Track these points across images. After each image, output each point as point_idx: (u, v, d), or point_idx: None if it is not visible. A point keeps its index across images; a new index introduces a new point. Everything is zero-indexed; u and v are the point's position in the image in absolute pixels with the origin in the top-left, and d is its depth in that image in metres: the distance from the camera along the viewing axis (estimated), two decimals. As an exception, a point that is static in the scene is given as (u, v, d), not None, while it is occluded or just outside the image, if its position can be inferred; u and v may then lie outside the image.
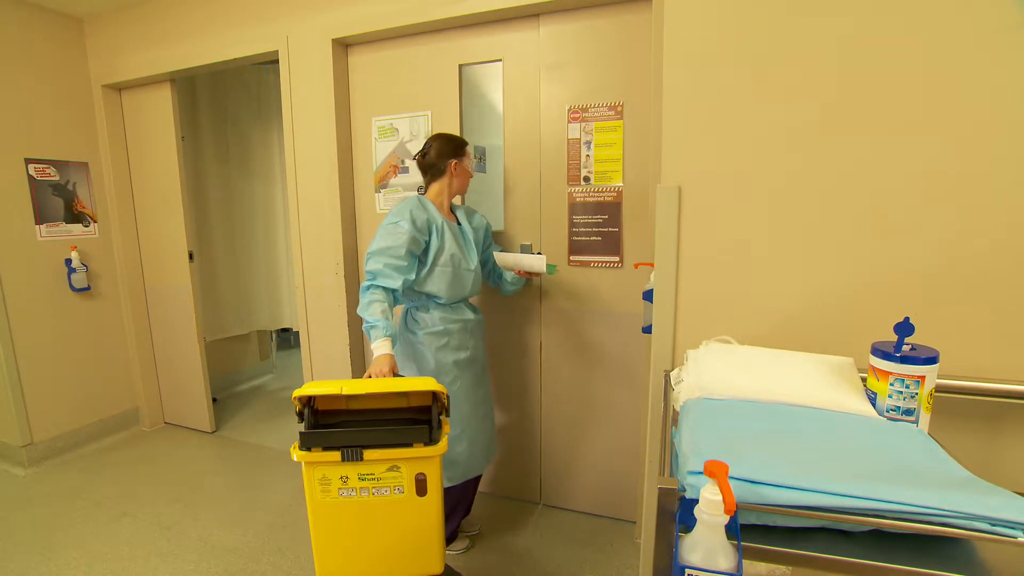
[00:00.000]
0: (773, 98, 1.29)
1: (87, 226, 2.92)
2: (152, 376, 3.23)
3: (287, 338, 4.81)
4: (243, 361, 4.01)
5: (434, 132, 2.08)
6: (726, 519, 0.62)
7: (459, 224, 1.89)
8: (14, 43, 2.58)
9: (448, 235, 1.76)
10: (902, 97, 1.19)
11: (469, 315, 1.86)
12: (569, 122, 2.02)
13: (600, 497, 2.23)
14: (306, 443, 1.29)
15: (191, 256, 2.99)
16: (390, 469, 1.33)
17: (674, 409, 1.11)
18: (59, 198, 2.79)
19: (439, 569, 1.41)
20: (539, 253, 1.91)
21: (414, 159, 1.89)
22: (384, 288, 1.61)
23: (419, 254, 1.72)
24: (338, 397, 1.40)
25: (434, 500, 1.36)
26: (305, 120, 2.38)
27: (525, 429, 2.61)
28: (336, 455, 1.29)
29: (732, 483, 0.65)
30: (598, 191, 2.01)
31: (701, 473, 0.70)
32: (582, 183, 2.03)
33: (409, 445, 1.31)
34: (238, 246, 3.64)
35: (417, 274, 1.72)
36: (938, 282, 1.20)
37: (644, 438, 1.87)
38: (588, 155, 2.01)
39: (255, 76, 3.56)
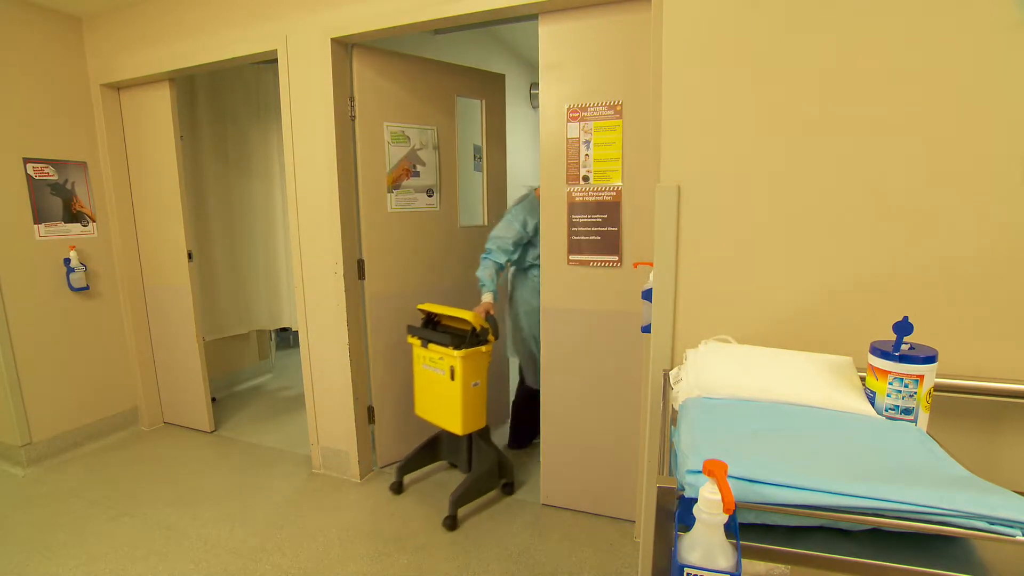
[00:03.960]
0: (772, 97, 1.29)
1: (86, 225, 2.92)
2: (151, 376, 3.23)
3: (286, 337, 4.81)
4: (242, 361, 4.01)
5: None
6: (725, 518, 0.62)
7: None
8: (13, 42, 2.58)
9: None
10: (901, 97, 1.19)
11: None
12: (568, 121, 2.02)
13: (599, 496, 2.23)
14: (409, 332, 2.37)
15: (190, 255, 2.98)
16: (441, 359, 2.22)
17: (673, 408, 1.11)
18: (58, 197, 2.79)
19: (459, 432, 2.23)
20: None
21: None
22: (494, 261, 2.39)
23: (524, 243, 2.44)
24: (446, 316, 2.32)
25: (459, 386, 2.17)
26: (304, 119, 2.38)
27: (524, 428, 2.61)
28: (419, 341, 2.32)
29: (731, 482, 0.65)
30: (597, 190, 2.01)
31: (700, 472, 0.71)
32: (581, 182, 2.03)
33: (445, 346, 2.17)
34: (237, 245, 3.64)
35: (533, 252, 2.46)
36: (937, 282, 1.20)
37: (643, 437, 1.87)
38: (587, 154, 2.01)
39: (254, 75, 3.55)
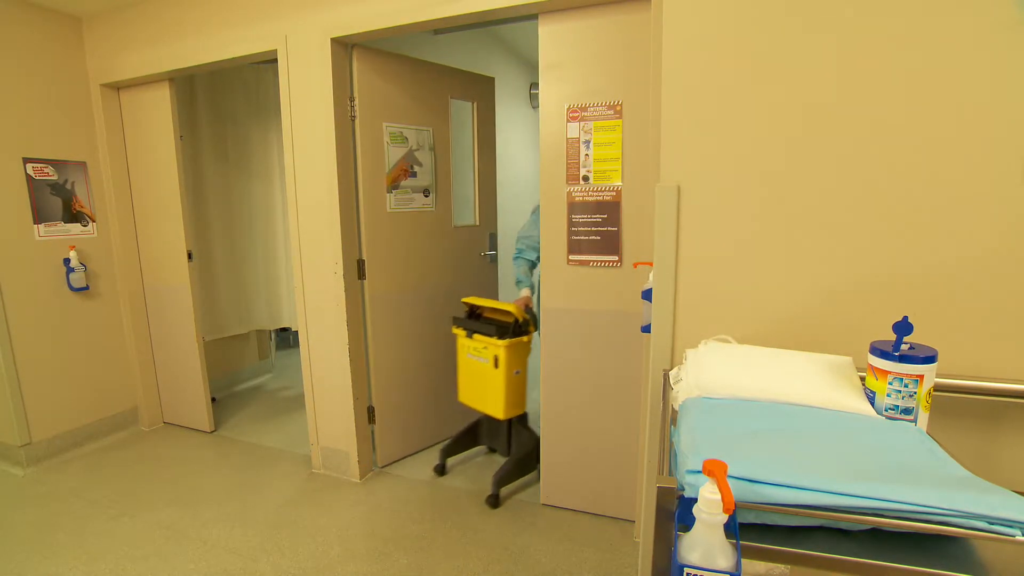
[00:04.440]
0: (772, 97, 1.29)
1: (85, 225, 2.92)
2: (151, 376, 3.23)
3: (286, 337, 4.80)
4: (242, 361, 4.00)
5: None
6: (725, 518, 0.62)
7: None
8: (13, 42, 2.58)
9: None
10: (901, 96, 1.19)
11: None
12: (568, 121, 2.02)
13: (599, 496, 2.23)
14: (454, 323, 2.51)
15: (190, 255, 2.98)
16: (485, 348, 2.37)
17: (673, 408, 1.11)
18: (57, 197, 2.79)
19: (501, 416, 2.37)
20: None
21: None
22: (526, 259, 2.51)
23: None
24: (489, 308, 2.49)
25: (502, 373, 2.31)
26: (304, 119, 2.37)
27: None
28: (464, 332, 2.47)
29: (731, 482, 0.65)
30: (597, 190, 2.01)
31: (700, 472, 0.71)
32: (581, 182, 2.03)
33: (491, 336, 2.31)
34: (237, 245, 3.63)
35: None
36: (937, 282, 1.20)
37: (643, 437, 1.87)
38: (587, 154, 2.01)
39: (254, 75, 3.55)
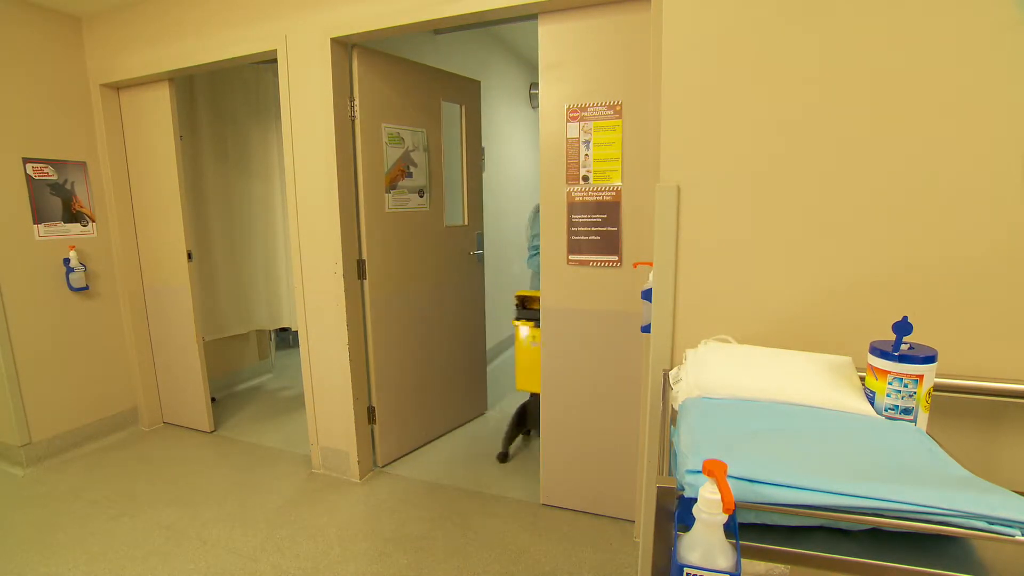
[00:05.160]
0: (772, 97, 1.29)
1: (85, 225, 2.92)
2: (151, 376, 3.23)
3: (286, 337, 4.80)
4: (242, 361, 4.00)
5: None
6: (724, 518, 0.62)
7: None
8: (12, 42, 2.58)
9: None
10: (901, 96, 1.19)
11: None
12: (568, 121, 2.02)
13: (599, 496, 2.23)
14: (517, 316, 2.61)
15: (190, 255, 2.98)
16: None
17: (673, 408, 1.11)
18: (57, 197, 2.79)
19: None
20: None
21: None
22: None
23: None
24: (538, 299, 2.46)
25: None
26: (304, 119, 2.37)
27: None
28: (530, 323, 2.57)
29: (731, 482, 0.65)
30: (597, 190, 2.01)
31: (700, 472, 0.71)
32: (581, 182, 2.03)
33: None
34: (237, 245, 3.63)
35: None
36: (937, 282, 1.20)
37: (643, 437, 1.87)
38: (587, 154, 2.01)
39: (254, 75, 3.55)
